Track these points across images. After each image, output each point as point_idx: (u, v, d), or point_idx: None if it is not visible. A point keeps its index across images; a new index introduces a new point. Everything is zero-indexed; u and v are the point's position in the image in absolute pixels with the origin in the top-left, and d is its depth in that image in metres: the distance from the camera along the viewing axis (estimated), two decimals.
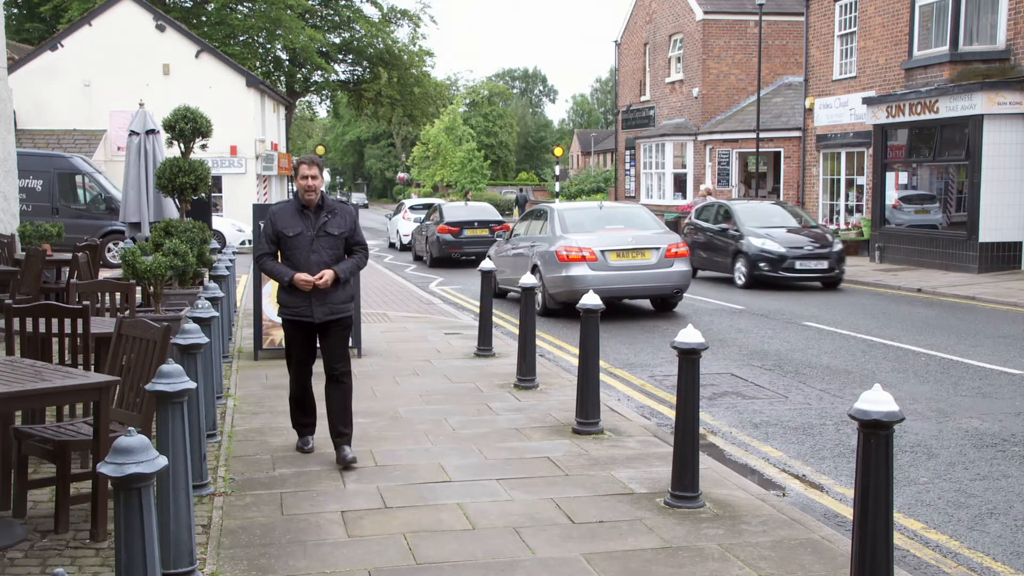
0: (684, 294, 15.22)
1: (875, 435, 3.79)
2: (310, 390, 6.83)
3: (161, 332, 5.39)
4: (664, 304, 15.14)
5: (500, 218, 26.09)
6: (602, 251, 14.09)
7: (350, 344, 7.26)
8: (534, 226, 15.84)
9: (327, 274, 6.34)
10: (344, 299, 6.54)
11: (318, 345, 6.67)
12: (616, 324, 13.64)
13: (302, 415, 6.87)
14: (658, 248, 14.31)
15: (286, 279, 6.40)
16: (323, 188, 6.57)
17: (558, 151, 48.53)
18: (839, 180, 26.76)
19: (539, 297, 14.42)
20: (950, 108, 20.19)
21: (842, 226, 25.71)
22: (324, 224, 6.42)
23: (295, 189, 6.51)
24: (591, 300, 7.30)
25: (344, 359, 6.54)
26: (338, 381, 6.52)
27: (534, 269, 14.68)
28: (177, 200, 12.15)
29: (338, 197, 58.42)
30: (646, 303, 15.66)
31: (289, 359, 6.78)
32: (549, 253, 14.39)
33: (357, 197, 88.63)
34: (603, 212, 15.39)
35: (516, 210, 53.12)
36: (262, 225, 7.01)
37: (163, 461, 3.06)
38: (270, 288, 10.01)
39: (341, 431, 6.50)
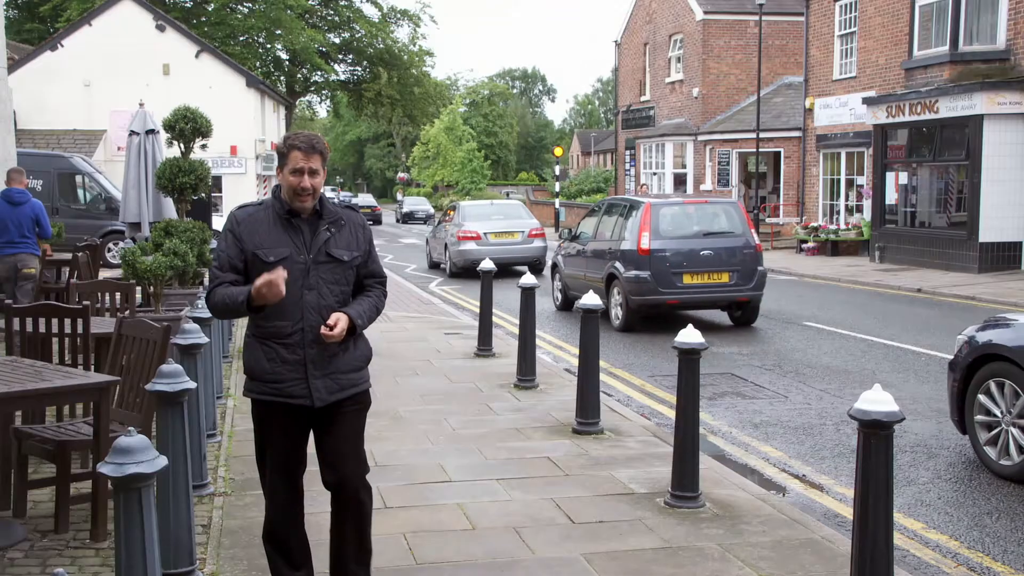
0: (544, 262, 20.70)
1: (875, 435, 3.78)
2: (301, 522, 4.14)
3: (161, 332, 5.39)
4: (534, 268, 20.59)
5: (374, 203, 49.71)
6: (485, 233, 21.18)
7: None
8: (451, 216, 22.76)
9: (341, 320, 3.81)
10: (359, 363, 4.03)
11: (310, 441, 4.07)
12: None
13: (288, 567, 4.08)
14: (523, 231, 21.67)
15: (240, 299, 3.79)
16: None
17: (558, 151, 48.51)
18: (839, 180, 26.76)
19: (447, 266, 22.07)
20: (950, 108, 20.18)
21: (842, 226, 25.71)
22: (326, 242, 3.91)
23: (275, 186, 4.01)
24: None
25: (360, 461, 4.05)
26: (351, 499, 4.02)
27: (446, 247, 21.77)
28: (177, 200, 12.14)
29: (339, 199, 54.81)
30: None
31: (262, 467, 4.09)
32: (453, 236, 21.47)
33: (363, 199, 66.96)
34: (493, 207, 23.17)
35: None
36: (218, 242, 4.13)
37: (163, 461, 3.06)
38: None
39: (353, 572, 4.10)
